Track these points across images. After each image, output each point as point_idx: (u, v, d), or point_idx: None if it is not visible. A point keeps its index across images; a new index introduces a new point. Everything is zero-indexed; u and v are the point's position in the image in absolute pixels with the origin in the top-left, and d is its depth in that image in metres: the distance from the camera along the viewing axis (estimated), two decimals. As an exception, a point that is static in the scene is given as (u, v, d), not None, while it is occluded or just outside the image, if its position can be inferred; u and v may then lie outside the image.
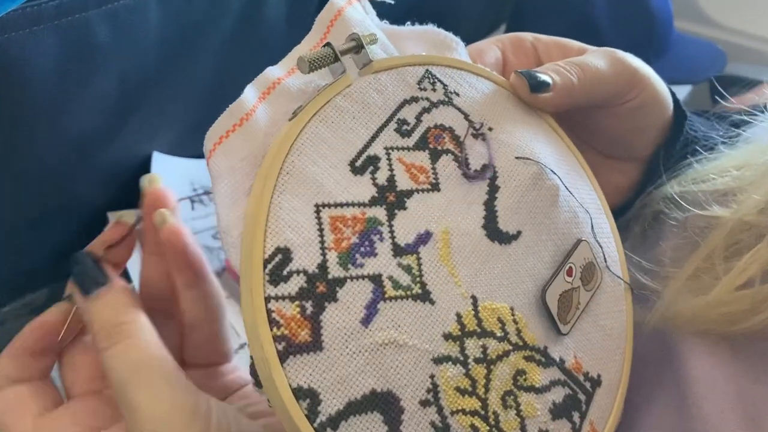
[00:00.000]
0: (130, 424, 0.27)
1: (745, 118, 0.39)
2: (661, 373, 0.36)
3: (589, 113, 0.39)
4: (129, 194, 0.60)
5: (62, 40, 0.43)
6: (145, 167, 0.62)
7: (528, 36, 0.41)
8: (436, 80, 0.33)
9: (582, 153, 0.39)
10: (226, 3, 0.55)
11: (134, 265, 0.35)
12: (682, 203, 0.38)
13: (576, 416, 0.32)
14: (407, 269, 0.28)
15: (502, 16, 1.07)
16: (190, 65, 0.58)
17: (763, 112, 0.39)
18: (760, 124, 0.38)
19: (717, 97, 0.42)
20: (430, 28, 0.36)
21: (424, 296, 0.28)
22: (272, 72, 0.31)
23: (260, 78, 0.30)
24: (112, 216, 0.60)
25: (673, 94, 0.41)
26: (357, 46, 0.31)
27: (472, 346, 0.29)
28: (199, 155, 0.33)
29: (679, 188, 0.39)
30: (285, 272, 0.26)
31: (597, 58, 0.37)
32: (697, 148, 0.40)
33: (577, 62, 0.36)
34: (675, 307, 0.35)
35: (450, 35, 0.36)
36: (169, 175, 0.63)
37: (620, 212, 0.42)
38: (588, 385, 0.33)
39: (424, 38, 0.36)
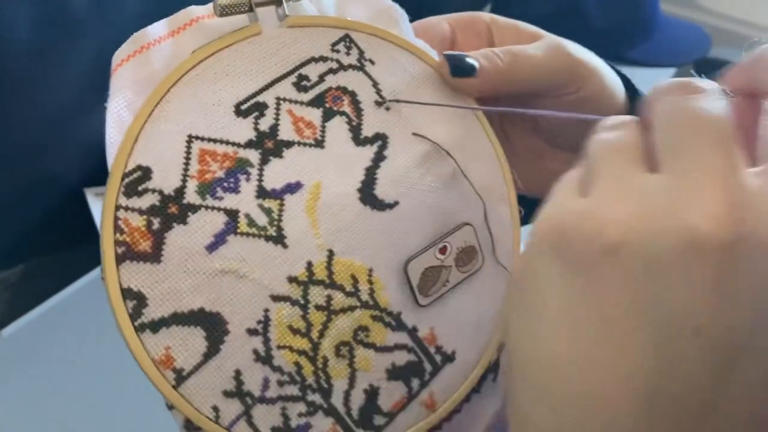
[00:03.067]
0: None
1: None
2: None
3: (529, 102, 0.40)
4: (106, 171, 0.64)
5: (38, 12, 0.44)
6: None
7: (485, 17, 0.41)
8: (353, 45, 0.35)
9: (528, 141, 0.40)
10: None
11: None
12: None
13: (415, 382, 0.34)
14: (267, 211, 0.31)
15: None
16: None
17: None
18: None
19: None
20: None
21: (278, 239, 0.31)
22: (194, 10, 0.33)
23: (180, 13, 0.33)
24: (89, 193, 0.60)
25: (629, 82, 0.41)
26: (276, 0, 0.33)
27: (317, 294, 0.32)
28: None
29: None
30: (141, 188, 0.29)
31: (536, 48, 0.37)
32: None
33: (514, 50, 0.37)
34: None
35: (395, 6, 0.37)
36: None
37: None
38: (438, 358, 0.35)
39: (369, 4, 0.37)
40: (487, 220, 0.37)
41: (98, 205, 0.61)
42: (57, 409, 0.58)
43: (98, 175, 0.65)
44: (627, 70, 0.44)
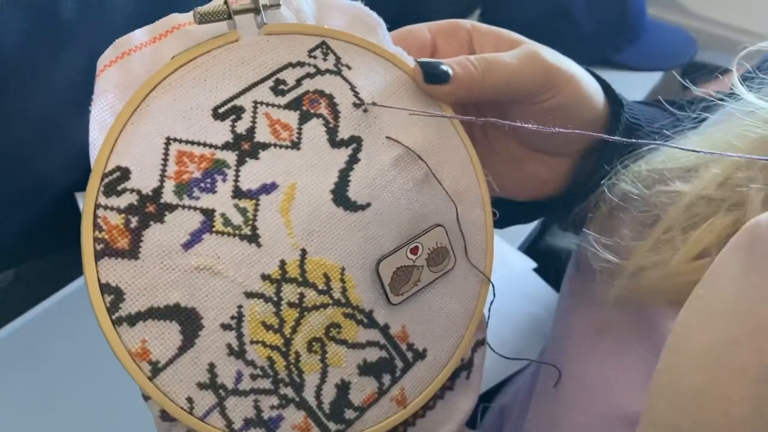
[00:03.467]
0: None
1: (715, 97, 0.40)
2: (631, 331, 0.38)
3: (507, 108, 0.41)
4: None
5: (28, 15, 0.44)
6: None
7: (466, 24, 0.42)
8: (330, 52, 0.36)
9: (508, 145, 0.41)
10: None
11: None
12: (647, 183, 0.39)
13: (386, 378, 0.35)
14: (242, 211, 0.32)
15: (476, 1, 1.06)
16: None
17: (727, 98, 0.39)
18: (724, 108, 0.39)
19: (687, 84, 0.43)
20: (356, 4, 0.39)
21: (252, 238, 0.32)
22: (177, 18, 0.34)
23: (163, 20, 0.34)
24: (80, 197, 0.60)
25: (609, 87, 0.42)
26: (254, 9, 0.34)
27: (289, 291, 0.33)
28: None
29: (647, 167, 0.40)
30: (119, 188, 0.30)
31: (512, 56, 0.38)
32: (666, 132, 0.41)
33: (489, 58, 0.38)
34: (637, 279, 0.37)
35: (373, 15, 0.39)
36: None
37: (557, 201, 0.44)
38: (410, 354, 0.36)
39: (348, 13, 0.38)
40: (459, 223, 0.38)
41: None
42: (50, 412, 0.58)
43: (87, 180, 0.67)
44: (614, 74, 0.45)
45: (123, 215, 0.30)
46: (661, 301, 0.36)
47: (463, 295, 0.38)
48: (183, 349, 0.31)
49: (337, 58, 0.36)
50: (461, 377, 0.39)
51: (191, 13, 0.35)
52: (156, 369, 0.30)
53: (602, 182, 0.42)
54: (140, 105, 0.31)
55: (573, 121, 0.42)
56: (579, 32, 0.93)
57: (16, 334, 0.61)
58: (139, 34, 0.33)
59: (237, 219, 0.32)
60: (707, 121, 0.41)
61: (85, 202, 0.30)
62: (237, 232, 0.32)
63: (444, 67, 0.37)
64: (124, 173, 0.31)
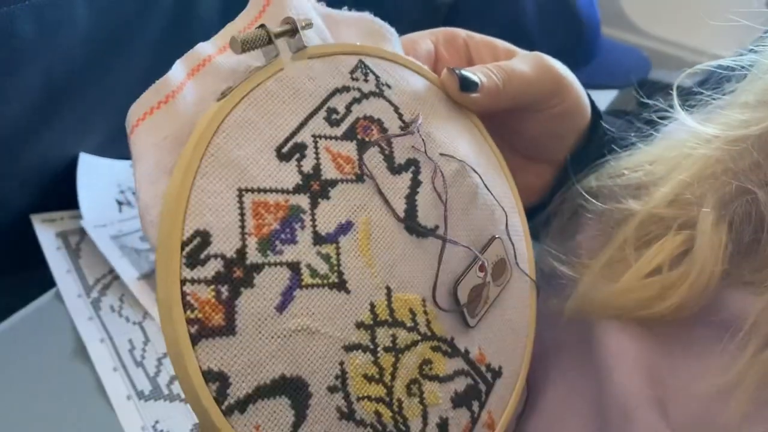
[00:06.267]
0: None
1: (655, 117, 0.41)
2: (581, 354, 0.38)
3: (512, 116, 0.40)
4: (53, 197, 0.58)
5: None
6: (71, 168, 0.59)
7: (461, 33, 0.41)
8: (369, 71, 0.33)
9: (502, 152, 0.41)
10: (157, 0, 0.53)
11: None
12: (599, 198, 0.39)
13: (476, 405, 0.34)
14: (326, 258, 0.29)
15: (436, 23, 1.08)
16: (119, 64, 0.55)
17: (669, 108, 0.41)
18: (674, 123, 0.40)
19: (642, 101, 0.45)
20: (367, 16, 0.36)
21: (340, 285, 0.29)
22: (203, 48, 0.30)
23: (190, 54, 0.30)
24: (36, 219, 0.57)
25: (589, 96, 0.43)
26: (292, 30, 0.30)
27: (383, 335, 0.30)
28: (128, 157, 0.32)
29: (597, 183, 0.40)
30: (203, 256, 0.26)
31: (524, 63, 0.38)
32: (614, 146, 0.42)
33: (505, 67, 0.37)
34: (590, 295, 0.37)
35: (386, 26, 0.36)
36: (95, 176, 0.60)
37: (533, 212, 0.44)
38: (489, 375, 0.35)
39: (360, 26, 0.36)
40: (508, 231, 0.37)
41: (45, 231, 0.57)
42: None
43: (44, 201, 0.59)
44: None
45: (213, 287, 0.26)
46: (605, 315, 0.37)
47: (519, 304, 0.37)
48: (297, 425, 0.27)
49: (377, 78, 0.33)
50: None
51: (214, 40, 0.31)
52: None
53: (556, 196, 0.43)
54: (204, 156, 0.27)
55: (571, 127, 0.42)
56: (535, 51, 0.91)
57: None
58: (177, 72, 0.28)
59: (323, 268, 0.29)
60: (665, 130, 0.42)
61: (167, 280, 0.25)
62: (325, 281, 0.29)
63: (473, 77, 0.36)
64: (205, 238, 0.26)
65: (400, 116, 0.34)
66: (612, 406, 0.33)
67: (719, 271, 0.33)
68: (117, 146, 0.63)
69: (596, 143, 0.43)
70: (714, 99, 0.37)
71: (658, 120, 0.40)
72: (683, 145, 0.37)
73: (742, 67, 0.36)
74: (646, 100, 0.41)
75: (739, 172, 0.33)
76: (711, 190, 0.34)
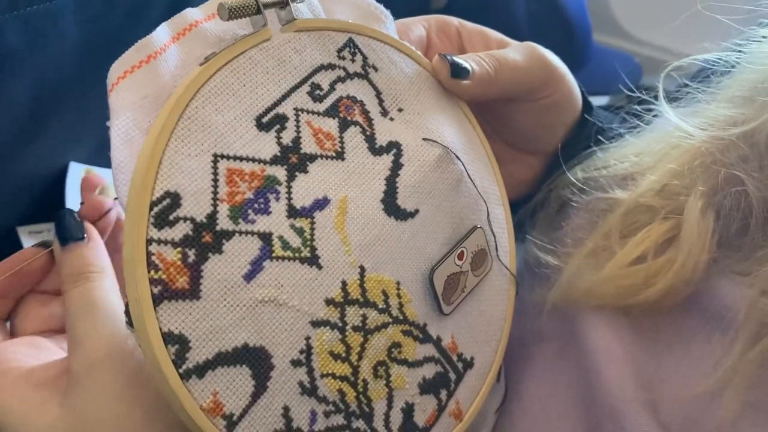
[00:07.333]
0: (71, 355, 0.29)
1: (638, 109, 0.41)
2: (564, 348, 0.38)
3: (503, 106, 0.40)
4: (42, 208, 0.58)
5: None
6: (60, 179, 0.59)
7: (454, 20, 0.41)
8: (357, 51, 0.33)
9: (491, 143, 0.40)
10: (146, 9, 0.53)
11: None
12: (586, 188, 0.39)
13: (443, 394, 0.33)
14: (299, 231, 0.29)
15: None
16: (110, 73, 0.55)
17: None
18: (661, 116, 0.39)
19: (630, 95, 0.44)
20: None
21: (312, 260, 0.29)
22: (191, 13, 0.30)
23: (177, 18, 0.30)
24: (22, 231, 0.56)
25: (580, 87, 0.43)
26: (282, 2, 0.30)
27: (353, 314, 0.30)
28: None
29: (583, 174, 0.40)
30: (171, 217, 0.26)
31: (516, 52, 0.38)
32: (600, 138, 0.41)
33: (497, 56, 0.37)
34: (574, 283, 0.37)
35: (381, 7, 0.36)
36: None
37: (523, 203, 0.44)
38: (460, 365, 0.34)
39: (354, 5, 0.36)
40: (490, 222, 0.37)
41: (32, 243, 0.55)
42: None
43: (30, 213, 0.59)
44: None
45: (179, 249, 0.26)
46: (589, 304, 0.36)
47: (497, 297, 0.37)
48: (256, 395, 0.27)
49: (365, 59, 0.33)
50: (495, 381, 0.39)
51: (203, 5, 0.30)
52: (231, 423, 0.26)
53: (542, 187, 0.43)
54: (181, 118, 0.27)
55: (562, 119, 0.42)
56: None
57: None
58: (161, 33, 0.28)
59: (295, 241, 0.28)
60: (653, 122, 0.42)
61: (130, 237, 0.25)
62: (297, 255, 0.28)
63: (464, 63, 0.36)
64: (175, 199, 0.26)
65: (381, 102, 0.33)
66: (600, 409, 0.33)
67: (706, 259, 0.33)
68: (107, 156, 0.63)
69: (586, 135, 0.42)
70: (700, 92, 0.37)
71: (645, 113, 0.40)
72: (671, 136, 0.37)
73: (728, 62, 0.36)
74: (635, 94, 0.41)
75: (727, 163, 0.33)
76: (700, 178, 0.34)
